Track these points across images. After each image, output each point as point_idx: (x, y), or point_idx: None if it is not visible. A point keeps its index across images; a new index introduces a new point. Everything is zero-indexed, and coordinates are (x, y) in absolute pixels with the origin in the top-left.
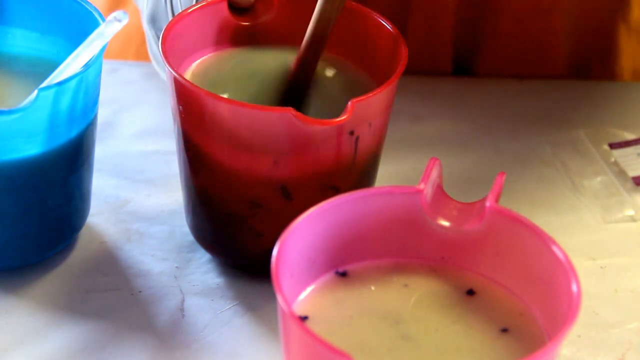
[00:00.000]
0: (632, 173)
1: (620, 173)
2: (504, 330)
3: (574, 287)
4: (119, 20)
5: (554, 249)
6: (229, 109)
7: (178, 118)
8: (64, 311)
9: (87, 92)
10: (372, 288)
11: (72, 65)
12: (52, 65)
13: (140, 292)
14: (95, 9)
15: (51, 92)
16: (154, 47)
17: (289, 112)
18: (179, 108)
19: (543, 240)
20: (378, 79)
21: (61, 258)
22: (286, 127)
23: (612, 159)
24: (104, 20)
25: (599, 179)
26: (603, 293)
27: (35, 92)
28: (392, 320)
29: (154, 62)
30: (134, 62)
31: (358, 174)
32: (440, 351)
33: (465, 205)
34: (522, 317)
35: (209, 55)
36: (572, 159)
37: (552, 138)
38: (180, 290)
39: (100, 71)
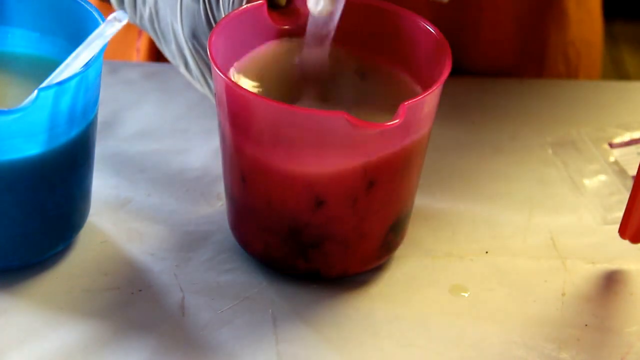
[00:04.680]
0: (633, 172)
1: (621, 172)
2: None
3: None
4: (119, 20)
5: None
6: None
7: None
8: (64, 311)
9: (87, 92)
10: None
11: (72, 65)
12: (52, 65)
13: (140, 291)
14: (95, 9)
15: (51, 92)
16: (190, 63)
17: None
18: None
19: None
20: (420, 83)
21: (61, 258)
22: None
23: (612, 158)
24: (104, 20)
25: (599, 178)
26: (602, 295)
27: (35, 92)
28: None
29: (187, 77)
30: (134, 62)
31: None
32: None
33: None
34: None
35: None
36: (572, 159)
37: (552, 138)
38: (181, 289)
39: (100, 71)
